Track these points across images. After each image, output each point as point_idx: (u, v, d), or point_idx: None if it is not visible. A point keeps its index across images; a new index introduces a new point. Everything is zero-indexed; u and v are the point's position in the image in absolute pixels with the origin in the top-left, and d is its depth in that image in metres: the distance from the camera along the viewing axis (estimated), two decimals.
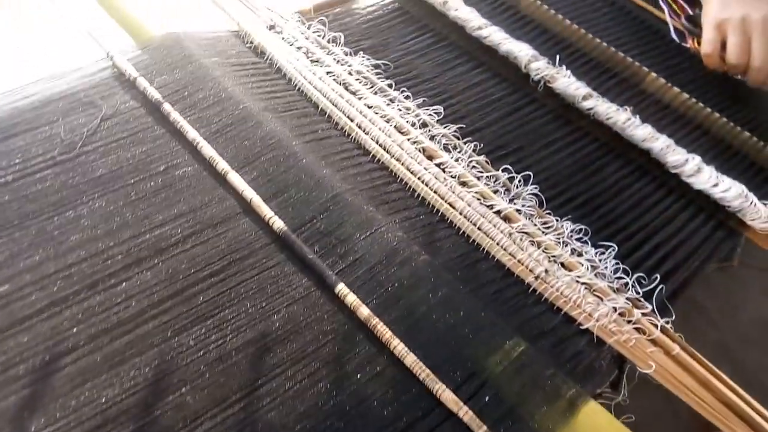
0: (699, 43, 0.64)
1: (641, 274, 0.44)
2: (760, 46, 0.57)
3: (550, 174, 0.51)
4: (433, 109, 0.53)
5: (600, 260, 0.44)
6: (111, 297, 0.36)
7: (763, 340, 0.61)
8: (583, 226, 0.46)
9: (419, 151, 0.49)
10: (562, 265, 0.44)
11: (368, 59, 0.56)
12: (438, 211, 0.46)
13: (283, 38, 0.56)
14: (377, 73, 0.55)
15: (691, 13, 0.69)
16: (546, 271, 0.42)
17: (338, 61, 0.55)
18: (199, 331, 0.36)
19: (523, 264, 0.43)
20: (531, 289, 0.42)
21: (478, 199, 0.47)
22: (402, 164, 0.48)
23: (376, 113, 0.51)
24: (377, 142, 0.49)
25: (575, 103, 0.56)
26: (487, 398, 0.35)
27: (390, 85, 0.54)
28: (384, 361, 0.36)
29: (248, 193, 0.43)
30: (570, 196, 0.49)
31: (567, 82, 0.56)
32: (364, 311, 0.38)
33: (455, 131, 0.51)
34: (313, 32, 0.58)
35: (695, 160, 0.51)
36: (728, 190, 0.49)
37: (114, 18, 0.55)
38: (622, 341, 0.40)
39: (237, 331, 0.36)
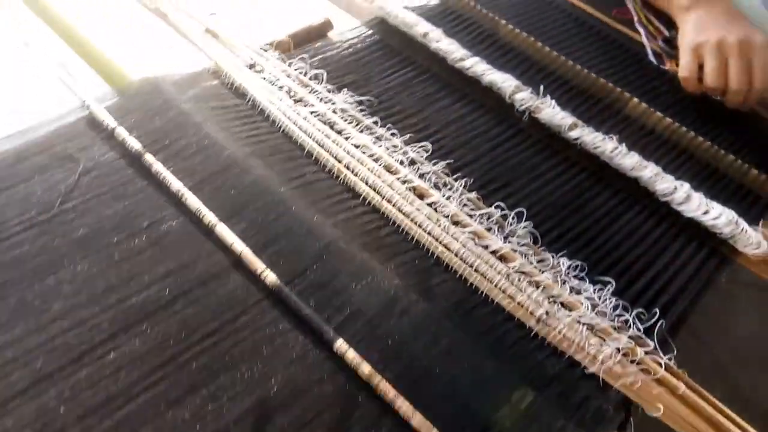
0: (677, 65, 0.64)
1: (641, 310, 0.43)
2: (737, 69, 0.58)
3: (542, 207, 0.50)
4: (421, 146, 0.52)
5: (599, 297, 0.44)
6: (99, 369, 0.35)
7: (757, 359, 0.61)
8: (579, 262, 0.46)
9: (410, 190, 0.48)
10: (562, 304, 0.43)
11: (352, 95, 0.55)
12: (433, 253, 0.45)
13: (264, 78, 0.55)
14: (362, 110, 0.54)
15: (667, 35, 0.69)
16: (547, 312, 0.42)
17: (322, 99, 0.54)
18: (195, 402, 0.34)
19: (523, 306, 0.42)
20: (533, 332, 0.41)
21: (473, 239, 0.46)
22: (393, 206, 0.47)
23: (364, 152, 0.50)
24: (367, 183, 0.48)
25: (561, 133, 0.56)
26: None
27: (376, 122, 0.53)
28: (389, 423, 0.35)
29: (238, 245, 0.42)
30: (563, 230, 0.49)
31: (552, 113, 0.56)
32: (365, 369, 0.36)
33: (444, 167, 0.51)
34: (295, 69, 0.57)
35: (684, 188, 0.51)
36: (719, 217, 0.49)
37: (88, 63, 0.53)
38: (628, 384, 0.39)
39: (234, 400, 0.34)
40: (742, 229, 0.49)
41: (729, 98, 0.60)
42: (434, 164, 0.51)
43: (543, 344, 0.41)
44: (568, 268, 0.45)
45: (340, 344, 0.37)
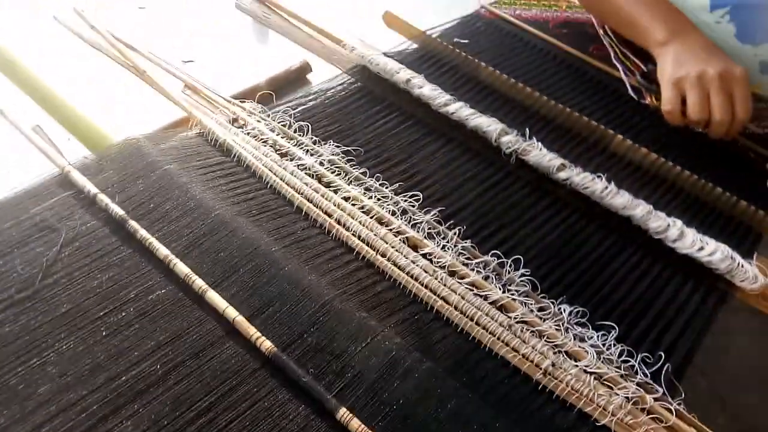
0: (657, 99, 0.65)
1: (646, 354, 0.43)
2: (719, 101, 0.59)
3: (537, 252, 0.50)
4: (411, 195, 0.51)
5: (603, 344, 0.43)
6: None
7: (755, 383, 0.60)
8: (580, 308, 0.45)
9: (403, 242, 0.47)
10: (567, 354, 0.42)
11: (338, 146, 0.55)
12: (432, 307, 0.44)
13: (248, 132, 0.54)
14: (349, 160, 0.54)
15: (645, 69, 0.70)
16: (553, 364, 0.41)
17: (308, 151, 0.53)
18: None
19: (528, 358, 0.41)
20: (540, 386, 0.40)
21: (471, 290, 0.45)
22: (388, 260, 0.46)
23: (354, 205, 0.49)
24: (359, 238, 0.47)
25: (550, 174, 0.55)
26: None
27: (364, 173, 0.52)
28: None
29: (230, 312, 0.40)
30: (559, 275, 0.48)
31: (540, 155, 0.56)
32: None
33: (436, 215, 0.50)
34: (278, 123, 0.56)
35: (677, 225, 0.51)
36: (714, 253, 0.49)
37: (65, 126, 0.52)
38: None
39: None
40: (738, 264, 0.49)
41: (713, 130, 0.60)
42: (426, 212, 0.50)
43: (551, 398, 0.40)
44: (570, 314, 0.44)
45: (343, 413, 0.36)
